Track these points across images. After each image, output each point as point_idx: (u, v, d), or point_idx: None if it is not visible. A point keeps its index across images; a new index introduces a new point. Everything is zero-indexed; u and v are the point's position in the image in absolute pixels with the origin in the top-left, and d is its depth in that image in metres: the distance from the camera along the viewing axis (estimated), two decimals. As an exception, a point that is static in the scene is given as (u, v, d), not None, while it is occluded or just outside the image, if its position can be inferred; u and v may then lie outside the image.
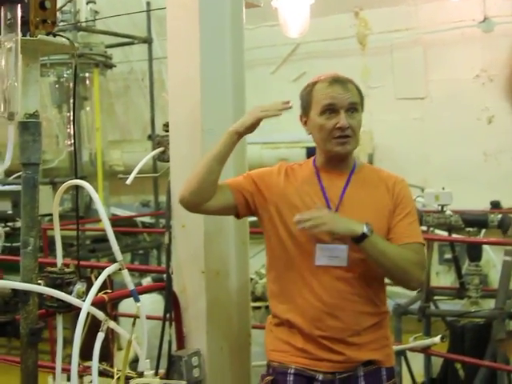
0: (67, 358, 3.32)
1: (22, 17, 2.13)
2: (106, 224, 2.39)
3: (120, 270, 2.43)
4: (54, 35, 2.28)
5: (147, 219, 9.33)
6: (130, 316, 4.19)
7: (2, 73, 1.73)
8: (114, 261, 7.29)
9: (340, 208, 2.63)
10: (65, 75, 8.32)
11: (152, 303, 5.68)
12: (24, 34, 2.18)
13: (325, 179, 2.70)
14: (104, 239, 8.06)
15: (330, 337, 2.58)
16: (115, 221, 8.85)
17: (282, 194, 2.70)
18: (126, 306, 5.16)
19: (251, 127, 2.66)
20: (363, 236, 2.48)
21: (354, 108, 2.64)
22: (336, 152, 2.64)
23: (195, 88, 3.20)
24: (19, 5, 1.75)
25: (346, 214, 2.59)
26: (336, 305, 2.58)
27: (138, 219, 9.15)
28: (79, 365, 2.84)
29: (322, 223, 2.49)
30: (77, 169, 2.78)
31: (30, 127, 2.31)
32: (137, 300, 2.45)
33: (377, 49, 8.13)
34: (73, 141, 2.31)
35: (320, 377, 2.59)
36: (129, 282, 2.44)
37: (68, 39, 2.31)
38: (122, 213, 9.22)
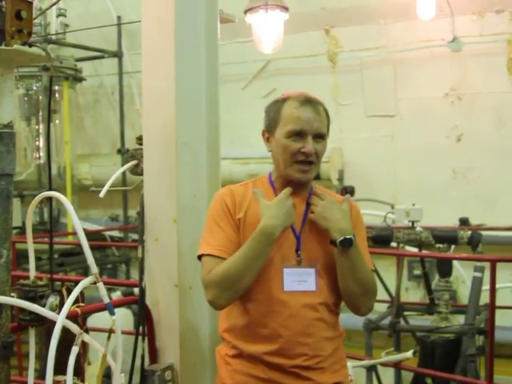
0: (35, 373, 3.28)
1: (-3, 26, 2.12)
2: (82, 237, 2.36)
3: (95, 283, 2.40)
4: (30, 45, 2.26)
5: (116, 233, 9.27)
6: (100, 330, 4.17)
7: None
8: (82, 275, 7.24)
9: (303, 232, 2.55)
10: (34, 88, 8.26)
11: (120, 317, 5.62)
12: (-1, 44, 2.17)
13: None
14: (72, 253, 8.00)
15: (298, 365, 2.50)
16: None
17: (245, 223, 2.55)
18: (94, 320, 5.12)
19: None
20: (350, 240, 2.45)
21: (322, 136, 2.55)
22: (296, 178, 2.55)
23: (170, 101, 3.19)
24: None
25: (309, 238, 2.54)
26: (304, 332, 2.49)
27: (107, 233, 9.08)
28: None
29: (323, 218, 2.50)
30: (51, 181, 2.74)
31: (4, 138, 2.29)
32: (112, 313, 2.42)
33: (347, 66, 8.17)
34: (47, 153, 2.28)
35: None
36: (104, 295, 2.41)
37: (44, 49, 2.29)
38: (90, 227, 9.13)
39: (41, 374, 3.49)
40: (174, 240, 3.20)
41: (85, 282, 2.43)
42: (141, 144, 3.34)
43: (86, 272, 8.75)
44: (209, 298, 2.49)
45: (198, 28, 3.31)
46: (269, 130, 2.62)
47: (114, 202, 9.03)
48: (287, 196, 2.48)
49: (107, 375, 4.26)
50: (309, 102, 2.55)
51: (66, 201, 2.35)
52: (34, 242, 2.54)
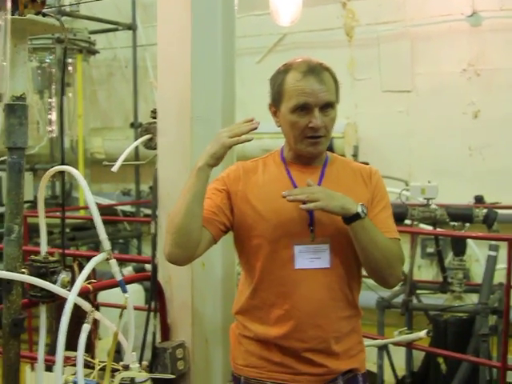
0: (45, 348, 3.26)
1: (10, -5, 2.06)
2: (95, 213, 2.33)
3: (108, 259, 2.37)
4: (44, 15, 2.21)
5: (128, 208, 9.25)
6: (111, 306, 4.15)
7: (-11, 52, 1.65)
8: (93, 249, 7.24)
9: None
10: (47, 60, 8.21)
11: (132, 294, 5.61)
12: (12, 13, 2.11)
13: (296, 175, 2.50)
14: (84, 227, 7.99)
15: (312, 348, 2.43)
16: (96, 209, 8.77)
17: (247, 199, 2.47)
18: (105, 294, 5.11)
19: (221, 157, 2.35)
20: (357, 216, 2.32)
21: (329, 105, 2.42)
22: (307, 152, 2.45)
23: (185, 75, 3.15)
24: (8, -18, 1.66)
25: (322, 214, 2.40)
26: (317, 313, 2.41)
27: (119, 208, 9.06)
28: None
29: (316, 198, 2.29)
30: (63, 155, 2.71)
31: (16, 110, 2.25)
32: (124, 291, 2.39)
33: (364, 40, 8.07)
34: (60, 126, 2.25)
35: None
36: (116, 271, 2.38)
37: (58, 19, 2.24)
38: (102, 201, 9.11)
39: (51, 349, 3.49)
40: (188, 215, 3.15)
41: (97, 258, 2.40)
42: (155, 118, 3.30)
43: (97, 246, 8.75)
44: (164, 251, 2.43)
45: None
46: (275, 104, 2.51)
47: (126, 177, 9.00)
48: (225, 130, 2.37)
49: (117, 350, 4.25)
50: (311, 71, 2.40)
51: (79, 175, 2.32)
52: (46, 217, 2.51)
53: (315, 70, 2.41)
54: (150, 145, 3.34)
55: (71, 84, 8.48)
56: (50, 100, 8.37)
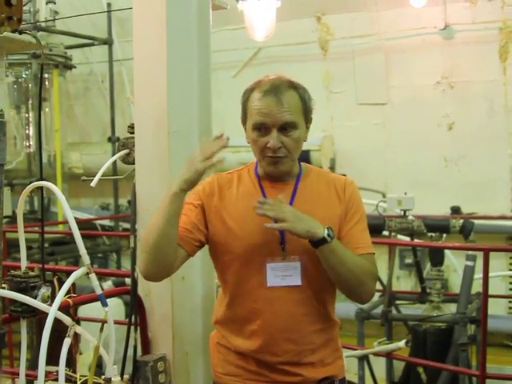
0: (25, 363, 3.25)
1: (-13, 13, 2.08)
2: (73, 227, 2.34)
3: (87, 274, 2.38)
4: (20, 32, 2.23)
5: (107, 222, 9.23)
6: (92, 320, 4.15)
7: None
8: (73, 264, 7.21)
9: None
10: (23, 76, 8.20)
11: (111, 307, 5.61)
12: (-11, 31, 2.13)
13: (268, 191, 2.50)
14: (62, 242, 7.98)
15: (285, 361, 2.45)
16: (74, 224, 8.73)
17: (220, 215, 2.48)
18: (85, 309, 5.10)
19: (195, 183, 2.36)
20: (323, 241, 2.30)
21: (290, 126, 2.40)
22: (269, 171, 2.47)
23: (162, 90, 3.15)
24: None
25: None
26: (289, 328, 2.43)
27: (98, 222, 9.04)
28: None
29: (284, 218, 2.28)
30: (42, 170, 2.71)
31: (-6, 127, 2.26)
32: (105, 304, 2.40)
33: (339, 54, 8.15)
34: (38, 141, 2.25)
35: None
36: (96, 285, 2.39)
37: (35, 37, 2.26)
38: (81, 216, 9.09)
39: (32, 365, 3.48)
40: (166, 230, 3.17)
41: (77, 273, 2.41)
42: (132, 133, 3.30)
43: (76, 261, 8.71)
44: (139, 268, 2.48)
45: (190, 15, 3.26)
46: (243, 121, 2.54)
47: (104, 191, 8.99)
48: (196, 154, 2.34)
49: (99, 365, 4.24)
50: (272, 91, 2.40)
51: (57, 191, 2.33)
52: (25, 232, 2.52)
53: (276, 90, 2.40)
54: (128, 159, 3.35)
55: (47, 99, 8.46)
56: (26, 115, 8.36)
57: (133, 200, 3.28)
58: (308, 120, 2.51)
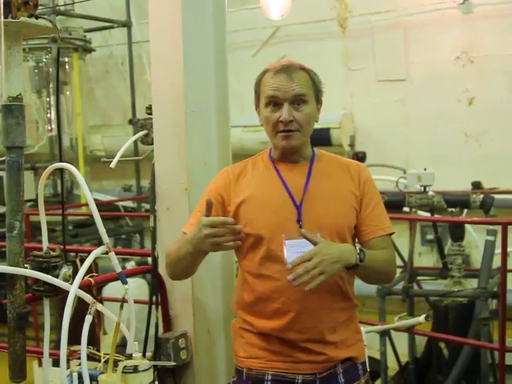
0: (52, 344, 3.32)
1: (3, -2, 2.12)
2: (93, 207, 2.39)
3: (107, 252, 2.43)
4: (37, 17, 2.26)
5: (129, 204, 9.30)
6: (114, 300, 4.22)
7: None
8: (97, 245, 7.34)
9: (305, 201, 2.50)
10: (44, 60, 8.25)
11: (135, 288, 5.69)
12: (6, 16, 2.17)
13: (284, 172, 2.57)
14: (86, 224, 8.05)
15: (309, 339, 2.49)
16: (97, 206, 8.79)
17: (239, 201, 2.55)
18: (110, 291, 5.18)
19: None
20: (356, 265, 2.38)
21: (301, 100, 2.50)
22: (281, 146, 2.54)
23: (178, 70, 3.19)
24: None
25: (311, 207, 2.49)
26: (312, 305, 2.47)
27: (120, 204, 9.11)
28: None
29: (320, 272, 2.26)
30: (61, 152, 2.75)
31: (13, 110, 2.30)
32: (124, 282, 2.44)
33: (357, 31, 8.10)
34: (57, 124, 2.30)
35: (299, 379, 2.51)
36: (116, 264, 2.44)
37: (50, 21, 2.29)
38: (103, 198, 9.18)
39: (58, 345, 3.55)
40: (186, 209, 3.21)
41: (97, 251, 2.46)
42: (150, 114, 3.34)
43: (100, 243, 8.73)
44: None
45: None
46: (256, 104, 2.64)
47: (126, 173, 9.05)
48: (208, 225, 2.29)
49: (123, 344, 4.31)
50: (284, 69, 2.52)
51: (76, 172, 2.37)
52: (48, 214, 2.57)
53: (287, 69, 2.52)
54: (147, 140, 3.39)
55: (68, 82, 8.51)
56: (48, 99, 8.42)
57: (152, 180, 3.32)
58: (319, 101, 2.59)
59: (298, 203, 2.50)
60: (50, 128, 8.46)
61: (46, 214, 2.56)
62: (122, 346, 2.69)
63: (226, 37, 3.41)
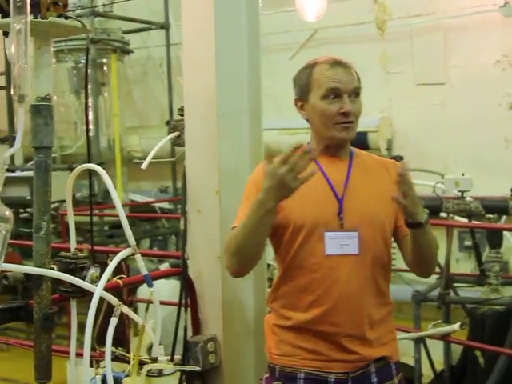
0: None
1: (32, -1, 2.12)
2: (119, 208, 2.38)
3: (133, 254, 2.42)
4: (66, 17, 2.26)
5: (166, 205, 9.33)
6: (147, 301, 4.21)
7: (13, 55, 1.70)
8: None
9: (346, 195, 2.50)
10: (82, 61, 8.31)
11: (170, 289, 5.69)
12: (35, 16, 2.17)
13: (325, 165, 2.55)
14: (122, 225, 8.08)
15: (345, 333, 2.46)
16: (134, 207, 8.87)
17: None
18: (146, 292, 5.18)
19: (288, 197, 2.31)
20: (420, 225, 2.37)
21: (357, 93, 2.53)
22: (340, 138, 2.51)
23: (210, 72, 3.18)
24: (28, -15, 1.71)
25: (352, 201, 2.49)
26: (350, 297, 2.46)
27: (157, 205, 9.15)
28: (96, 350, 2.85)
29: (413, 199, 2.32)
30: (90, 153, 2.76)
31: (41, 110, 2.30)
32: (150, 285, 2.44)
33: (396, 34, 8.03)
34: (86, 125, 2.30)
35: (332, 378, 2.48)
36: (142, 266, 2.43)
37: (80, 21, 2.29)
38: (140, 199, 9.22)
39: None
40: (217, 212, 3.20)
41: (123, 253, 2.45)
42: (182, 115, 3.34)
43: (137, 244, 8.82)
44: (225, 265, 2.51)
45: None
46: (301, 98, 2.59)
47: (163, 174, 9.07)
48: (276, 166, 2.23)
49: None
50: (338, 63, 2.54)
51: (103, 173, 2.36)
52: (84, 215, 2.58)
53: (341, 63, 2.54)
54: (179, 142, 3.39)
55: (106, 83, 8.58)
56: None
57: (183, 182, 3.32)
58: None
59: (340, 197, 2.49)
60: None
61: (82, 215, 2.56)
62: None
63: (263, 39, 3.40)
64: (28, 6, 1.70)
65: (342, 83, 2.48)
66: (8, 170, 7.73)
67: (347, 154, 2.60)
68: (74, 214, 2.59)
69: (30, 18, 2.00)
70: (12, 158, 8.92)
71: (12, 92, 1.72)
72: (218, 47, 3.17)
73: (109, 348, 2.32)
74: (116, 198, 2.38)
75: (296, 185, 2.24)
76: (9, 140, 8.65)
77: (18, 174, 7.79)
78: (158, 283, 3.93)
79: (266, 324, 2.68)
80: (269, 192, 2.26)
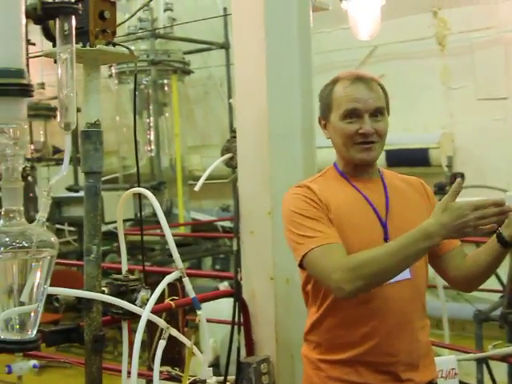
0: (147, 362, 3.36)
1: (81, 27, 2.17)
2: (166, 231, 2.40)
3: (181, 278, 2.43)
4: (114, 45, 2.31)
5: (227, 223, 9.36)
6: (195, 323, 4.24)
7: (60, 83, 1.74)
8: (195, 265, 7.42)
9: (389, 217, 2.40)
10: (144, 82, 8.45)
11: (228, 308, 5.69)
12: (84, 45, 2.22)
13: (362, 189, 2.44)
14: (184, 244, 8.16)
15: (401, 362, 2.36)
16: (196, 225, 8.94)
17: (330, 219, 2.36)
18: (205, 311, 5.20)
19: None
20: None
21: (380, 112, 2.39)
22: (359, 158, 2.39)
23: (262, 93, 3.20)
24: (73, 16, 1.75)
25: (395, 224, 2.38)
26: (403, 326, 2.37)
27: (219, 223, 9.20)
28: (152, 369, 2.88)
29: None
30: (139, 177, 2.79)
31: (91, 136, 2.35)
32: (198, 308, 2.45)
33: (457, 49, 7.94)
34: (135, 146, 2.33)
35: None
36: (190, 289, 2.44)
37: (127, 48, 2.33)
38: (202, 217, 9.29)
39: (148, 364, 3.62)
40: (269, 233, 3.20)
41: (170, 276, 2.47)
42: (235, 137, 3.36)
43: (199, 262, 8.88)
44: (335, 282, 2.23)
45: (290, 17, 3.29)
46: (324, 116, 2.48)
47: (224, 193, 9.09)
48: (469, 208, 2.11)
49: (216, 364, 4.32)
50: (359, 79, 2.39)
51: (151, 196, 2.39)
52: (146, 234, 2.61)
53: (363, 79, 2.40)
54: (231, 163, 3.41)
55: (168, 104, 8.71)
56: (147, 120, 8.61)
57: (236, 203, 3.34)
58: (388, 113, 2.47)
59: (384, 221, 2.39)
60: (149, 149, 8.63)
61: (145, 234, 2.59)
62: (214, 366, 2.69)
63: (323, 57, 3.41)
64: (74, 35, 1.74)
65: (362, 102, 2.35)
66: (72, 190, 7.91)
67: (377, 175, 2.50)
68: (135, 234, 2.63)
69: (78, 46, 2.05)
70: (76, 178, 9.10)
71: (59, 120, 1.75)
72: (269, 68, 3.19)
73: (157, 368, 2.34)
74: (163, 221, 2.40)
75: (472, 233, 2.16)
76: (72, 161, 8.83)
77: (81, 193, 7.92)
78: (220, 302, 3.94)
79: (305, 359, 2.54)
80: (445, 228, 2.15)
